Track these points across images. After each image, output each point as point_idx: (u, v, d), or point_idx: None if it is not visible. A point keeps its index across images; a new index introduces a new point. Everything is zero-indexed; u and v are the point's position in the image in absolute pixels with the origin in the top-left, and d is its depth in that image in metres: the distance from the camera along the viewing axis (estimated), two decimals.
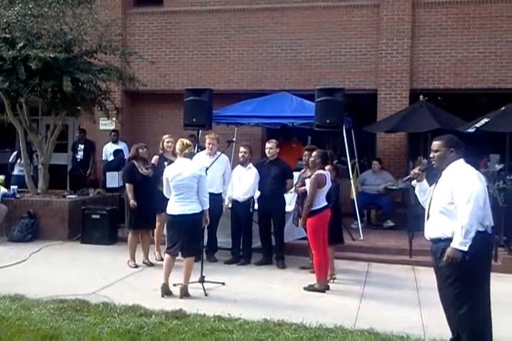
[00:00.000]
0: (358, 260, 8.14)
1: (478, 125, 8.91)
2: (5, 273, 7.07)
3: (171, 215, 6.22)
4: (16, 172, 11.76)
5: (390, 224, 10.31)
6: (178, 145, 6.35)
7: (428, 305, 5.84)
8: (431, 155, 4.49)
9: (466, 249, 4.05)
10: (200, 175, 6.22)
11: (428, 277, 6.94)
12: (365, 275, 7.40)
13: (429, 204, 4.45)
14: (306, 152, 7.39)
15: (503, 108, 9.26)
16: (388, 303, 6.10)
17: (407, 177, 4.74)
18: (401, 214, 10.00)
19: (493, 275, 4.37)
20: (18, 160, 11.56)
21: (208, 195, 6.33)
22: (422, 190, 4.60)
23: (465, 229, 4.06)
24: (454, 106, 11.59)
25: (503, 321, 4.81)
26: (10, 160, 12.06)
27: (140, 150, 7.71)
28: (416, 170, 4.58)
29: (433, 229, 4.37)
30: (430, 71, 11.55)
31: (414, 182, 4.61)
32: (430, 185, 4.57)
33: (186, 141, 6.34)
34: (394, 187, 10.44)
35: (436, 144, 4.45)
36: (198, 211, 6.17)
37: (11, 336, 4.67)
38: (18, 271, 7.24)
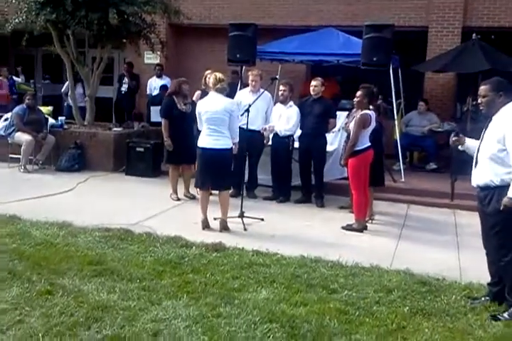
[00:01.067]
0: (398, 202, 8.14)
1: None
2: (53, 201, 7.36)
3: (202, 148, 6.26)
4: (68, 102, 11.94)
5: (433, 166, 10.17)
6: (211, 80, 6.32)
7: (467, 249, 5.88)
8: (478, 101, 4.31)
9: None
10: (232, 110, 6.22)
11: (469, 221, 6.98)
12: (404, 217, 7.42)
13: (478, 149, 4.32)
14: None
15: None
16: (426, 246, 6.13)
17: (451, 147, 4.84)
18: (445, 157, 9.83)
19: None
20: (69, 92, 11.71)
21: (238, 130, 6.36)
22: (467, 147, 4.56)
23: None
24: (509, 46, 11.07)
25: None
26: (62, 90, 12.22)
27: (183, 86, 7.69)
28: (453, 139, 4.58)
29: (482, 175, 4.26)
30: (485, 8, 10.96)
31: (459, 147, 4.62)
32: (480, 131, 4.41)
33: (220, 75, 6.27)
34: (439, 129, 10.23)
35: (483, 89, 4.26)
36: (228, 146, 6.23)
37: (59, 261, 4.92)
38: (66, 199, 7.51)
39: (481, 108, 4.34)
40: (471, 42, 9.99)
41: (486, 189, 4.26)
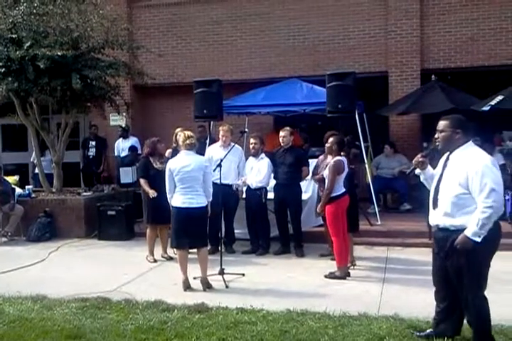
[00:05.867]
0: (377, 245, 8.09)
1: (492, 103, 8.74)
2: (25, 273, 7.09)
3: (177, 207, 6.15)
4: (36, 171, 11.78)
5: (407, 207, 10.23)
6: (180, 138, 6.30)
7: None
8: (436, 136, 4.20)
9: (479, 240, 3.87)
10: (206, 167, 6.21)
11: None
12: (385, 260, 7.33)
13: (436, 189, 4.18)
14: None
15: None
16: (411, 288, 6.02)
17: (410, 169, 4.46)
18: (417, 196, 9.89)
19: None
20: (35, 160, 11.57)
21: (211, 188, 6.30)
22: (428, 177, 4.35)
23: (482, 222, 3.85)
24: (467, 85, 11.39)
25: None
26: (31, 159, 12.06)
27: (158, 146, 7.72)
28: (418, 159, 4.32)
29: (442, 218, 4.12)
30: (441, 50, 11.37)
31: (417, 170, 4.37)
32: (435, 168, 4.33)
33: (188, 133, 6.27)
34: (409, 170, 10.30)
35: (441, 124, 4.16)
36: (204, 204, 6.16)
37: (35, 337, 4.67)
38: (38, 270, 7.25)
39: (436, 143, 4.23)
40: (431, 84, 10.26)
41: (445, 231, 4.13)
